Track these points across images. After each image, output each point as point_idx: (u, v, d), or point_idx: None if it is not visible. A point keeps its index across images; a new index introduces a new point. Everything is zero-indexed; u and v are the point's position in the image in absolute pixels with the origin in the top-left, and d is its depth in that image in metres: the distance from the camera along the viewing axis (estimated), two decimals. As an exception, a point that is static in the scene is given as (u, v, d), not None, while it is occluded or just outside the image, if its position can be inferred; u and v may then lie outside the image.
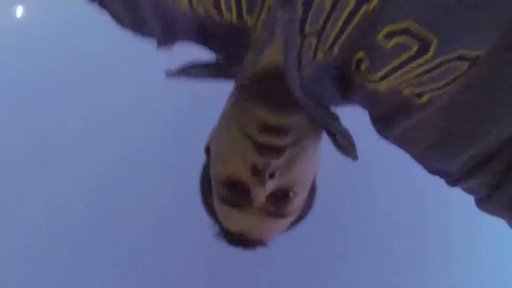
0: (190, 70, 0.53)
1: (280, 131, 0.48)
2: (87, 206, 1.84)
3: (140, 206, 1.86)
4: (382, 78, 0.41)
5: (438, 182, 0.47)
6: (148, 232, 1.83)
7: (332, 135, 0.55)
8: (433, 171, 0.46)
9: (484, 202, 0.42)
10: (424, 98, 0.40)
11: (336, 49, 0.41)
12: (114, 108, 1.92)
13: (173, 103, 1.82)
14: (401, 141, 0.46)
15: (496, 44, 0.33)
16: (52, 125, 1.94)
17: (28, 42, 2.04)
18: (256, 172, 0.49)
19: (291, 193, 0.53)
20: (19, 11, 2.17)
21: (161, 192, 1.84)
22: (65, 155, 1.90)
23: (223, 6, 0.41)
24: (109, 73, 1.95)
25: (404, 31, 0.35)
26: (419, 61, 0.36)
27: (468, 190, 0.45)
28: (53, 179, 1.88)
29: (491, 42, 0.33)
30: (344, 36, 0.39)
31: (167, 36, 0.51)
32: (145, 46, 0.53)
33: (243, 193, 0.52)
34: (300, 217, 0.61)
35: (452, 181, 0.45)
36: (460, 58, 0.35)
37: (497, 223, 0.45)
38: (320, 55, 0.42)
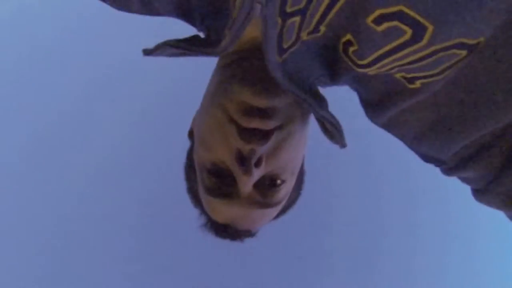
0: (167, 47, 0.49)
1: (264, 114, 0.45)
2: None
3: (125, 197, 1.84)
4: (371, 64, 0.38)
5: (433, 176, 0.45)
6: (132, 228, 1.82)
7: (318, 119, 0.52)
8: (426, 158, 0.44)
9: (481, 193, 0.41)
10: (417, 84, 0.38)
11: (322, 29, 0.38)
12: (91, 87, 1.87)
13: (155, 82, 1.77)
14: (392, 126, 0.44)
15: (497, 30, 0.31)
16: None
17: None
18: (241, 159, 0.46)
19: (278, 181, 0.50)
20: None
21: (144, 181, 1.82)
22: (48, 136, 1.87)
23: None
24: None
25: (396, 16, 0.32)
26: (411, 48, 0.34)
27: (465, 181, 0.43)
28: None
29: (493, 29, 0.31)
30: (330, 16, 0.36)
31: (147, 9, 0.48)
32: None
33: (229, 183, 0.49)
34: (289, 205, 0.59)
35: (447, 170, 0.43)
36: (457, 46, 0.32)
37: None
38: (304, 35, 0.39)
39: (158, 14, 0.49)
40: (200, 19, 0.46)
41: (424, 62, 0.35)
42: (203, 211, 0.58)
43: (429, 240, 1.96)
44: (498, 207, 0.40)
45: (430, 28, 0.32)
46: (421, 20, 0.31)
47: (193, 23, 0.49)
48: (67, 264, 1.82)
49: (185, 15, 0.48)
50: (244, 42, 0.46)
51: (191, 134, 0.59)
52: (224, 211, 0.52)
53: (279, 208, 0.55)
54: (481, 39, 0.32)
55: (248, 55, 0.47)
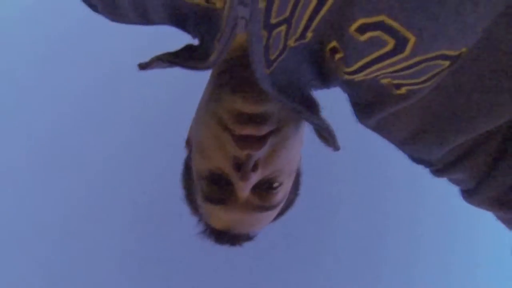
0: (161, 61, 0.50)
1: (257, 120, 0.46)
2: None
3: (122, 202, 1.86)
4: (357, 71, 0.39)
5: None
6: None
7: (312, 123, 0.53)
8: (415, 160, 0.46)
9: (470, 195, 0.42)
10: (403, 90, 0.39)
11: (309, 35, 0.39)
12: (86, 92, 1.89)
13: (152, 93, 1.78)
14: (381, 129, 0.45)
15: (478, 41, 0.32)
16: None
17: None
18: (238, 166, 0.47)
19: (275, 184, 0.51)
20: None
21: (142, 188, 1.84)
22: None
23: None
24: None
25: (378, 26, 0.33)
26: (394, 58, 0.35)
27: (454, 182, 0.45)
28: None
29: (475, 39, 0.32)
30: (315, 23, 0.37)
31: (142, 20, 0.49)
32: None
33: (227, 189, 0.50)
34: (287, 207, 0.61)
35: (436, 172, 0.44)
36: (440, 57, 0.33)
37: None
38: (291, 42, 0.40)
39: (153, 23, 0.50)
40: (194, 26, 0.47)
41: (408, 72, 0.36)
42: (201, 218, 0.59)
43: (432, 243, 1.97)
44: (487, 208, 0.41)
45: (412, 39, 0.32)
46: (404, 31, 0.32)
47: (187, 31, 0.50)
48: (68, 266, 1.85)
49: (179, 24, 0.49)
50: (234, 50, 0.47)
51: (188, 143, 0.61)
52: (223, 216, 0.53)
53: (277, 210, 0.56)
54: (463, 50, 0.33)
55: (238, 63, 0.48)
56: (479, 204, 0.42)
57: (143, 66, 0.50)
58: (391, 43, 0.33)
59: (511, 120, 0.36)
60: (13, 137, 1.88)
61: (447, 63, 0.34)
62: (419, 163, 0.45)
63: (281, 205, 0.56)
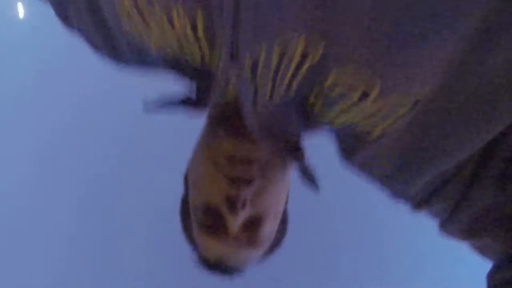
0: (164, 101, 0.57)
1: (247, 161, 0.52)
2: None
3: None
4: (335, 117, 0.44)
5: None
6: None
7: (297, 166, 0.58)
8: (395, 196, 0.49)
9: (443, 225, 0.45)
10: (376, 133, 0.43)
11: (292, 92, 0.44)
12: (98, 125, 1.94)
13: (151, 132, 1.85)
14: (362, 170, 0.49)
15: (439, 83, 0.35)
16: (50, 123, 1.96)
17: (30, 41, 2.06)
18: (229, 202, 0.52)
19: (262, 222, 0.56)
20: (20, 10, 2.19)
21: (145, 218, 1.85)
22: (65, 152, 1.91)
23: (184, 46, 0.45)
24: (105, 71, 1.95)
25: (348, 75, 0.37)
26: (365, 102, 0.39)
27: (432, 215, 0.47)
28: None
29: (433, 84, 0.35)
30: (296, 81, 0.42)
31: (142, 65, 0.55)
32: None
33: (219, 222, 0.55)
34: (273, 247, 0.64)
35: (415, 206, 0.47)
36: (404, 98, 0.37)
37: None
38: (276, 96, 0.45)
39: (153, 70, 0.57)
40: (190, 77, 0.53)
41: (379, 113, 0.40)
42: (196, 248, 0.63)
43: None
44: (459, 238, 0.44)
45: (378, 85, 0.36)
46: (370, 78, 0.36)
47: (182, 77, 0.56)
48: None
49: (177, 72, 0.55)
50: (228, 98, 0.52)
51: (186, 180, 0.66)
52: (215, 248, 0.57)
53: (264, 247, 0.59)
54: (424, 92, 0.36)
55: (231, 109, 0.54)
56: (452, 234, 0.45)
57: (147, 109, 0.57)
58: (360, 89, 0.38)
59: (483, 148, 0.39)
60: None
61: (409, 104, 0.37)
62: (399, 199, 0.48)
63: (267, 243, 0.60)
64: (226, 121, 0.54)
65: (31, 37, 2.04)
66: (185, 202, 0.65)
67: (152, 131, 1.76)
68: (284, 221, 0.64)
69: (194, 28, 0.41)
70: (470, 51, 0.32)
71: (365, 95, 0.38)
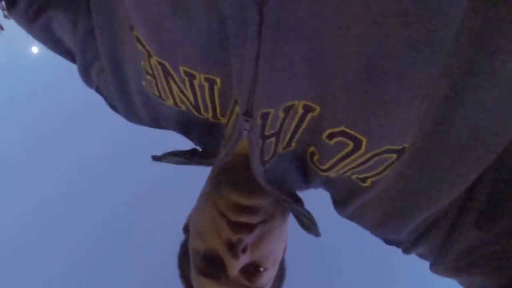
0: (173, 157, 0.61)
1: (250, 211, 0.56)
2: None
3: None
4: (329, 168, 0.49)
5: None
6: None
7: (296, 216, 0.62)
8: (388, 242, 0.53)
9: (433, 265, 0.49)
10: (368, 182, 0.49)
11: (293, 144, 0.51)
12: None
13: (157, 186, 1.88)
14: (355, 218, 0.54)
15: (417, 138, 0.42)
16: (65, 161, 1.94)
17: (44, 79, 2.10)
18: (231, 246, 0.55)
19: (261, 268, 0.58)
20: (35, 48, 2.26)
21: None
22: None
23: (201, 108, 0.51)
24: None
25: (341, 133, 0.44)
26: (355, 155, 0.45)
27: (422, 256, 0.52)
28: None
29: (412, 137, 0.42)
30: (297, 135, 0.49)
31: (154, 124, 0.61)
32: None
33: (219, 267, 0.57)
34: None
35: (406, 249, 0.51)
36: (387, 151, 0.43)
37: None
38: (280, 150, 0.51)
39: (163, 128, 0.63)
40: (198, 136, 0.59)
41: (367, 165, 0.46)
42: None
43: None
44: (449, 276, 0.48)
45: (365, 140, 0.43)
46: (358, 135, 0.43)
47: (191, 139, 0.62)
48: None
49: (185, 132, 0.61)
50: (234, 153, 0.57)
51: (186, 229, 0.68)
52: None
53: None
54: (405, 145, 0.42)
55: (237, 163, 0.59)
56: (443, 273, 0.48)
57: (156, 159, 0.61)
58: (350, 145, 0.44)
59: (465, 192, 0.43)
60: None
61: (394, 155, 0.43)
62: (391, 244, 0.53)
63: None
64: (232, 173, 0.59)
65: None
66: (184, 248, 0.68)
67: (153, 183, 1.79)
68: (281, 272, 0.66)
69: (211, 94, 0.47)
70: (439, 107, 0.38)
71: (355, 148, 0.44)
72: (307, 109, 0.44)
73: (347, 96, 0.40)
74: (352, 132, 0.43)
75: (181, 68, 0.45)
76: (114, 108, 0.63)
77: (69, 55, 0.61)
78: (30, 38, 0.60)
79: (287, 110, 0.45)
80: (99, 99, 0.65)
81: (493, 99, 0.37)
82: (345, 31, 0.36)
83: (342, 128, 0.43)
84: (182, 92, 0.49)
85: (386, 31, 0.34)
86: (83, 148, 1.98)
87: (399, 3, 0.33)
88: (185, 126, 0.58)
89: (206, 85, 0.46)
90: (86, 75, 0.60)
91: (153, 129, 0.65)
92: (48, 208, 1.82)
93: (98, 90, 0.63)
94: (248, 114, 0.45)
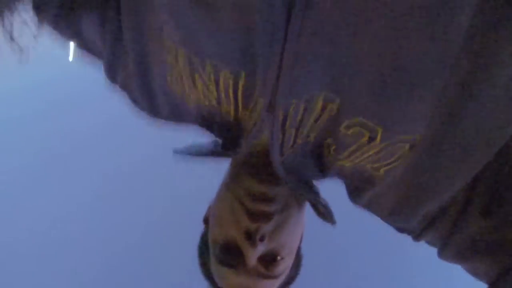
0: (194, 150, 0.64)
1: (267, 199, 0.59)
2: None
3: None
4: (346, 158, 0.52)
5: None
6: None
7: (313, 205, 0.64)
8: (399, 229, 0.56)
9: (441, 251, 0.52)
10: (381, 171, 0.51)
11: (312, 136, 0.53)
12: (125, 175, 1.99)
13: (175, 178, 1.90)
14: (369, 207, 0.57)
15: (428, 129, 0.44)
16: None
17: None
18: (249, 235, 0.57)
19: (278, 257, 0.61)
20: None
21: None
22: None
23: (224, 102, 0.53)
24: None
25: (358, 124, 0.46)
26: (371, 145, 0.48)
27: (431, 243, 0.54)
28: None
29: (424, 129, 0.44)
30: (316, 128, 0.51)
31: (175, 119, 0.63)
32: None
33: (238, 255, 0.59)
34: (288, 281, 0.68)
35: (416, 237, 0.54)
36: (401, 141, 0.46)
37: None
38: (299, 141, 0.54)
39: (184, 122, 0.65)
40: (219, 130, 0.62)
41: (381, 154, 0.48)
42: (213, 282, 0.66)
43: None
44: (454, 262, 0.51)
45: (380, 130, 0.45)
46: (374, 126, 0.45)
47: (212, 132, 0.64)
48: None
49: (207, 127, 0.63)
50: (254, 144, 0.60)
51: (206, 221, 0.71)
52: (232, 279, 0.61)
53: (279, 281, 0.63)
54: (417, 135, 0.45)
55: (256, 153, 0.61)
56: (448, 259, 0.51)
57: (178, 151, 0.64)
58: (367, 135, 0.47)
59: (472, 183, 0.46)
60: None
61: (407, 145, 0.46)
62: (403, 231, 0.55)
63: (283, 277, 0.64)
64: (252, 165, 0.62)
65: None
66: (203, 239, 0.71)
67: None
68: (297, 260, 0.69)
69: (235, 88, 0.50)
70: (449, 101, 0.41)
71: (371, 138, 0.47)
72: (328, 100, 0.46)
73: (366, 90, 0.43)
74: (369, 123, 0.45)
75: (208, 63, 0.48)
76: (136, 102, 0.66)
77: (95, 52, 0.63)
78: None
79: (308, 101, 0.47)
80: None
81: (496, 96, 0.39)
82: (364, 35, 0.39)
83: (360, 118, 0.46)
84: (206, 87, 0.52)
85: (403, 34, 0.37)
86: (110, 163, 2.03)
87: (413, 8, 0.36)
88: (206, 120, 0.61)
89: (231, 79, 0.49)
90: (112, 72, 0.62)
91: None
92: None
93: (121, 86, 0.66)
94: (270, 107, 0.48)
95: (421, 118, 0.43)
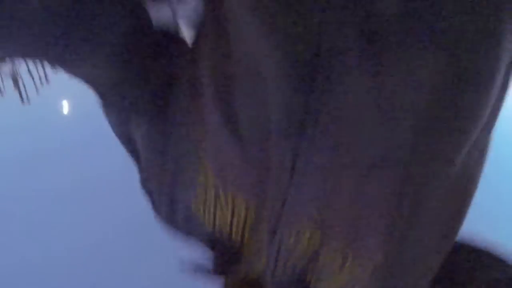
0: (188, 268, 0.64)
1: None
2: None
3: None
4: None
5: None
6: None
7: None
8: None
9: None
10: None
11: (297, 268, 0.55)
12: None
13: None
14: None
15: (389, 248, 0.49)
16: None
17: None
18: None
19: None
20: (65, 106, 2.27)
21: None
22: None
23: (233, 232, 0.56)
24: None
25: (331, 255, 0.51)
26: (342, 271, 0.52)
27: None
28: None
29: (385, 249, 0.49)
30: (300, 261, 0.54)
31: (185, 237, 0.65)
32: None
33: None
34: None
35: None
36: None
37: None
38: (286, 270, 0.56)
39: (189, 241, 0.66)
40: (221, 251, 0.62)
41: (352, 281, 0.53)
42: None
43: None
44: None
45: (350, 258, 0.51)
46: (343, 255, 0.50)
47: (209, 251, 0.64)
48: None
49: (210, 245, 0.64)
50: (252, 271, 0.61)
51: None
52: None
53: None
54: (379, 256, 0.50)
55: (248, 281, 0.62)
56: None
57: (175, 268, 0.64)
58: (338, 263, 0.51)
59: None
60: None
61: (366, 274, 0.51)
62: None
63: None
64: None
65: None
66: None
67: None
68: None
69: (246, 216, 0.53)
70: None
71: (343, 264, 0.51)
72: (311, 237, 0.51)
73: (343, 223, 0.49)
74: (340, 252, 0.50)
75: (229, 193, 0.51)
76: (156, 210, 0.65)
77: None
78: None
79: (296, 237, 0.52)
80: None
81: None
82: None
83: (332, 248, 0.50)
84: (224, 217, 0.55)
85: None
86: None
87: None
88: (211, 244, 0.63)
89: (243, 208, 0.51)
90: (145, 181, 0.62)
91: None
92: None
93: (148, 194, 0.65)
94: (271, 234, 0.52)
95: (379, 243, 0.48)
